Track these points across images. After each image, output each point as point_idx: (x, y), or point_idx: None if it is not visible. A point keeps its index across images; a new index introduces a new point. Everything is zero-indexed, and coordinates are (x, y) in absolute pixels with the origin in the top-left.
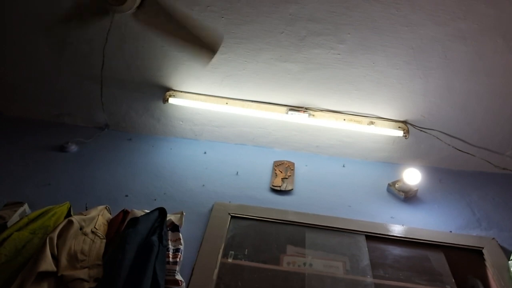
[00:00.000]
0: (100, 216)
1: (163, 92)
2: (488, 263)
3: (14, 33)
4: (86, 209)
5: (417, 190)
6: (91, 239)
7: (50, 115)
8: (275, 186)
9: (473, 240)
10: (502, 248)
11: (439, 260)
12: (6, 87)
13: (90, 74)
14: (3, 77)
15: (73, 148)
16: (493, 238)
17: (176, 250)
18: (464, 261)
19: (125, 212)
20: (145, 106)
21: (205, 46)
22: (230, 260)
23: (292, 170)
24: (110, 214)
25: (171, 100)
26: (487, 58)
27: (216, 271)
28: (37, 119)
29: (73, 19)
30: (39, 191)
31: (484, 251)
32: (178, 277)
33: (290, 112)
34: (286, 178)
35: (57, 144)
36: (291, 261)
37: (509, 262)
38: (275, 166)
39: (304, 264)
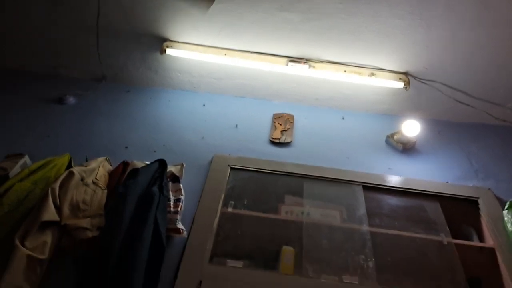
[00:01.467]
0: (100, 167)
1: (161, 43)
2: (482, 213)
3: None
4: (87, 161)
5: (415, 141)
6: (92, 190)
7: (46, 67)
8: (274, 139)
9: (469, 190)
10: (498, 198)
11: (434, 210)
12: (1, 40)
13: (85, 24)
14: None
15: (71, 100)
16: (489, 189)
17: (177, 200)
18: (460, 211)
19: (125, 164)
20: (143, 57)
21: None
22: (230, 209)
23: (291, 122)
24: (111, 165)
25: (169, 51)
26: (493, 8)
27: (216, 220)
28: (33, 72)
29: None
30: (38, 143)
31: (479, 201)
32: (179, 225)
33: (290, 64)
34: (286, 131)
35: (54, 97)
36: (289, 210)
37: (504, 211)
38: (275, 118)
39: (302, 213)
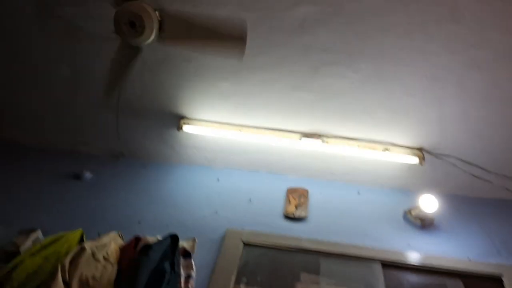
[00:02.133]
0: (112, 242)
1: (177, 120)
2: None
3: (33, 61)
4: (99, 236)
5: (434, 218)
6: (102, 265)
7: (66, 144)
8: (289, 213)
9: (492, 268)
10: None
11: None
12: (22, 117)
13: (105, 102)
14: (19, 107)
15: (88, 176)
16: None
17: (188, 277)
18: None
19: (137, 239)
20: (160, 134)
21: (232, 38)
22: (242, 286)
23: (306, 197)
24: (123, 240)
25: (185, 128)
26: (502, 86)
27: None
28: (53, 148)
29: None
30: (53, 219)
31: (503, 278)
32: None
33: (303, 139)
34: (300, 206)
35: (72, 173)
36: None
37: None
38: (289, 193)
39: None
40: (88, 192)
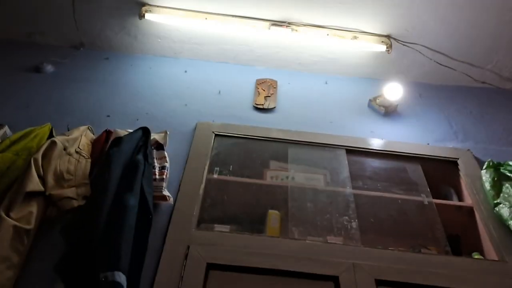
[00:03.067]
0: (83, 136)
1: (139, 7)
2: (462, 173)
3: None
4: (68, 130)
5: (397, 105)
6: (76, 159)
7: (21, 35)
8: (258, 104)
9: (449, 152)
10: (476, 159)
11: (416, 171)
12: None
13: None
14: None
15: (49, 68)
16: (468, 150)
17: (162, 168)
18: (440, 172)
19: (108, 132)
20: (121, 23)
21: None
22: (215, 175)
23: (274, 88)
24: (93, 134)
25: (148, 16)
26: None
27: (203, 186)
28: (7, 39)
29: None
30: (18, 113)
31: (459, 161)
32: (166, 192)
33: (272, 27)
34: (269, 96)
35: (31, 65)
36: (275, 175)
37: (482, 171)
38: (258, 84)
39: (287, 177)
40: (51, 85)
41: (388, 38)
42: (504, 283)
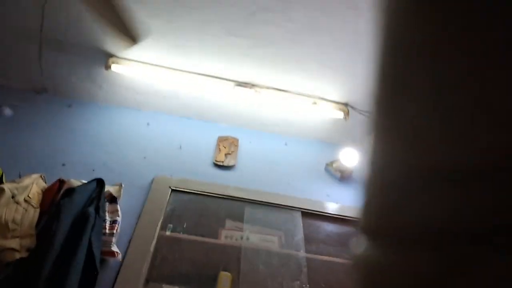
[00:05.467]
0: (34, 185)
1: (106, 58)
2: None
3: None
4: (20, 177)
5: (352, 170)
6: (23, 208)
7: None
8: (218, 161)
9: None
10: None
11: None
12: None
13: (27, 32)
14: None
15: (7, 112)
16: None
17: (113, 222)
18: None
19: (61, 182)
20: (87, 71)
21: (126, 34)
22: (168, 233)
23: (236, 146)
24: (46, 183)
25: (114, 68)
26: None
27: (154, 243)
28: None
29: None
30: None
31: None
32: (115, 248)
33: (236, 88)
34: (230, 154)
35: None
36: (229, 235)
37: None
38: (219, 141)
39: (241, 237)
40: (8, 129)
41: (345, 106)
42: None
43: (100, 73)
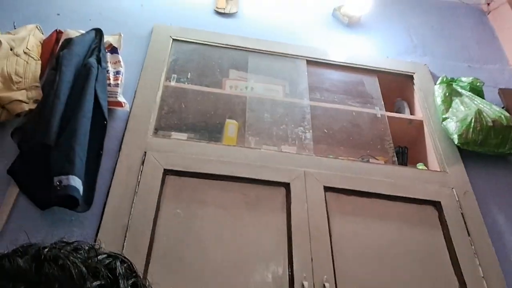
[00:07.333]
0: (31, 36)
1: None
2: (416, 87)
3: None
4: (15, 28)
5: (361, 16)
6: (24, 60)
7: None
8: (219, 8)
9: (406, 66)
10: (432, 74)
11: (372, 84)
12: None
13: None
14: None
15: None
16: (425, 64)
17: (117, 73)
18: (395, 85)
19: (58, 32)
20: None
21: None
22: (173, 83)
23: None
24: (42, 34)
25: None
26: None
27: (159, 93)
28: None
29: None
30: None
31: (415, 76)
32: (121, 98)
33: None
34: (231, 0)
35: None
36: (234, 85)
37: (435, 86)
38: None
39: (246, 88)
40: None
41: None
42: (443, 191)
43: None
